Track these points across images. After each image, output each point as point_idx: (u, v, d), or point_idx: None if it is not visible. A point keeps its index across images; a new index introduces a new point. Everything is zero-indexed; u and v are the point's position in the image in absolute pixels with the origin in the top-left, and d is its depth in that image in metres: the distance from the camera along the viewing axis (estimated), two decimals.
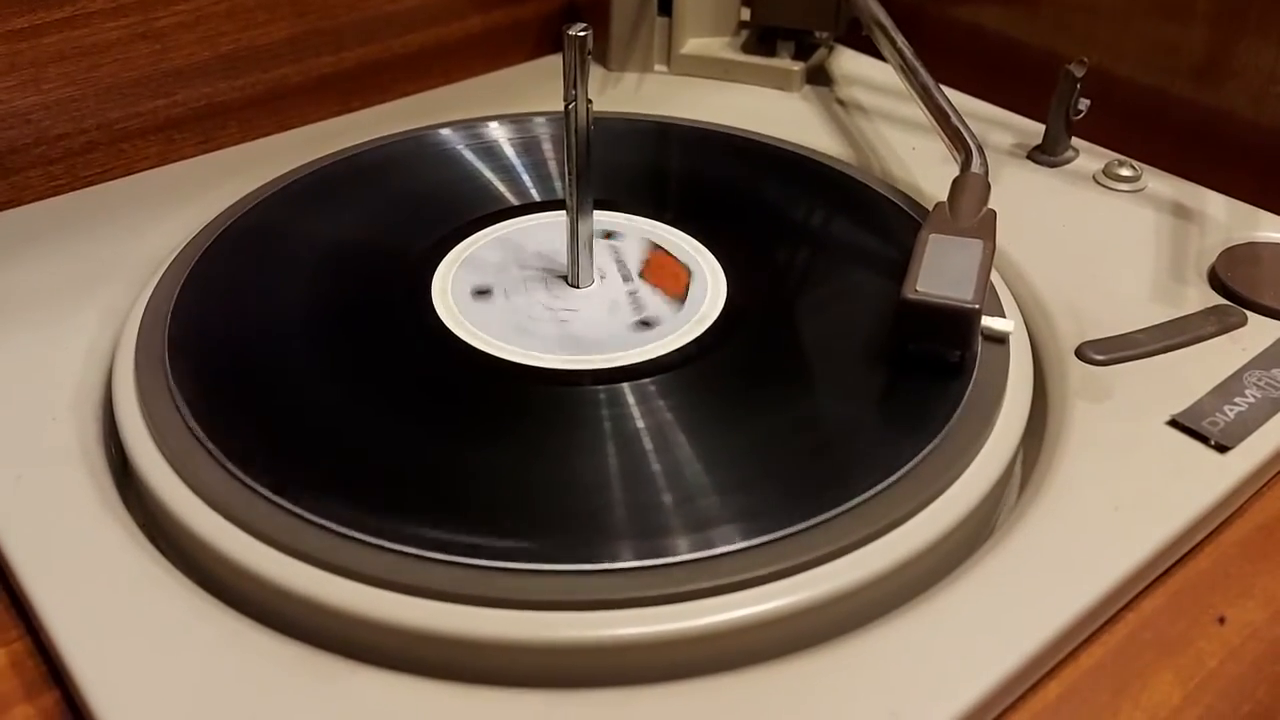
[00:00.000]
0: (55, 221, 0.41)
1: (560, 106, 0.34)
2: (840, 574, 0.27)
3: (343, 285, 0.37)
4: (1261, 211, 0.43)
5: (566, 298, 0.37)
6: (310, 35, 0.49)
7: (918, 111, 0.45)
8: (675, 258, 0.39)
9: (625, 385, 0.33)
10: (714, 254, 0.39)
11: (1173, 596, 0.29)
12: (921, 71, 0.44)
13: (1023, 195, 0.43)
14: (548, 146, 0.45)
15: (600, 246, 0.39)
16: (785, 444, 0.31)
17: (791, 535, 0.27)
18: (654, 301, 0.36)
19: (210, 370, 0.33)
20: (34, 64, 0.43)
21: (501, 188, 0.43)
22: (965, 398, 0.32)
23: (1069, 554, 0.28)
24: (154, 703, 0.25)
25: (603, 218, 0.40)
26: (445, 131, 0.46)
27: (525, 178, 0.43)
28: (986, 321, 0.34)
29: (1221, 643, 0.28)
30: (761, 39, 0.53)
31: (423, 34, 0.53)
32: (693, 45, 0.54)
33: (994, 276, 0.37)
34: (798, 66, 0.52)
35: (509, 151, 0.45)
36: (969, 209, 0.36)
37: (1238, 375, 0.34)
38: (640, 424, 0.31)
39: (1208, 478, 0.31)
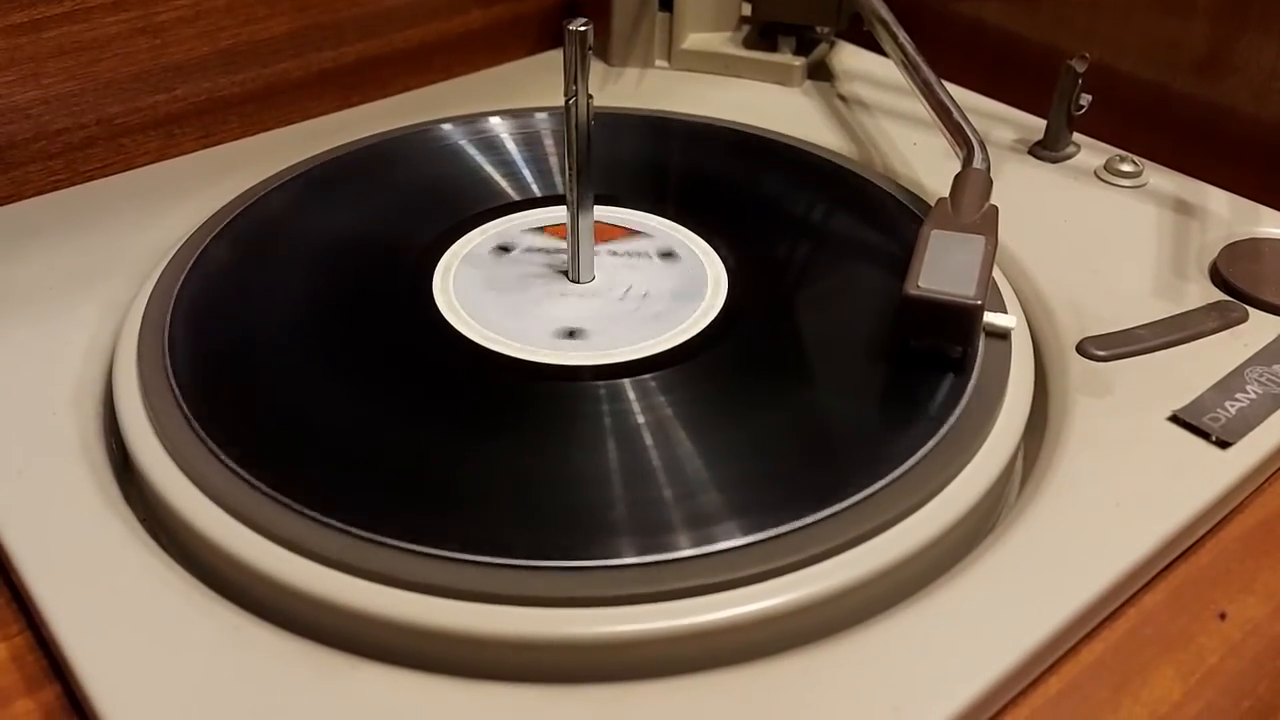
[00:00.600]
0: (55, 216, 0.41)
1: (561, 101, 0.34)
2: (842, 570, 0.27)
3: (343, 280, 0.37)
4: (1263, 207, 0.43)
5: (567, 292, 0.37)
6: (311, 30, 0.49)
7: (919, 107, 0.45)
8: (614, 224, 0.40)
9: (626, 381, 0.33)
10: (715, 249, 0.39)
11: (1174, 592, 0.29)
12: (923, 67, 0.44)
13: (1024, 191, 0.43)
14: (549, 141, 0.45)
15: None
16: (787, 440, 0.31)
17: (793, 531, 0.27)
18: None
19: (211, 365, 0.33)
20: (34, 59, 0.43)
21: (502, 183, 0.43)
22: (967, 394, 0.32)
23: (1070, 550, 0.28)
24: (154, 697, 0.25)
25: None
26: (446, 126, 0.46)
27: (526, 173, 0.43)
28: (988, 317, 0.34)
29: (1222, 638, 0.28)
30: (763, 34, 0.53)
31: (423, 29, 0.53)
32: (694, 40, 0.54)
33: (996, 272, 0.37)
34: (799, 62, 0.52)
35: (510, 146, 0.45)
36: (971, 205, 0.36)
37: (1239, 371, 0.34)
38: (641, 419, 0.31)
39: (1209, 474, 0.31)
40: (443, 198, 0.41)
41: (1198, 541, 0.31)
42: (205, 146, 0.47)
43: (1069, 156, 0.46)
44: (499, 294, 0.36)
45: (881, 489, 0.29)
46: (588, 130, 0.35)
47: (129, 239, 0.40)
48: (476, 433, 0.31)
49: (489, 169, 0.44)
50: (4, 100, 0.43)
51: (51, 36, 0.43)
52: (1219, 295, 0.38)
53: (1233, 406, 0.33)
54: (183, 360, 0.33)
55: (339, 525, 0.27)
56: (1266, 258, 0.39)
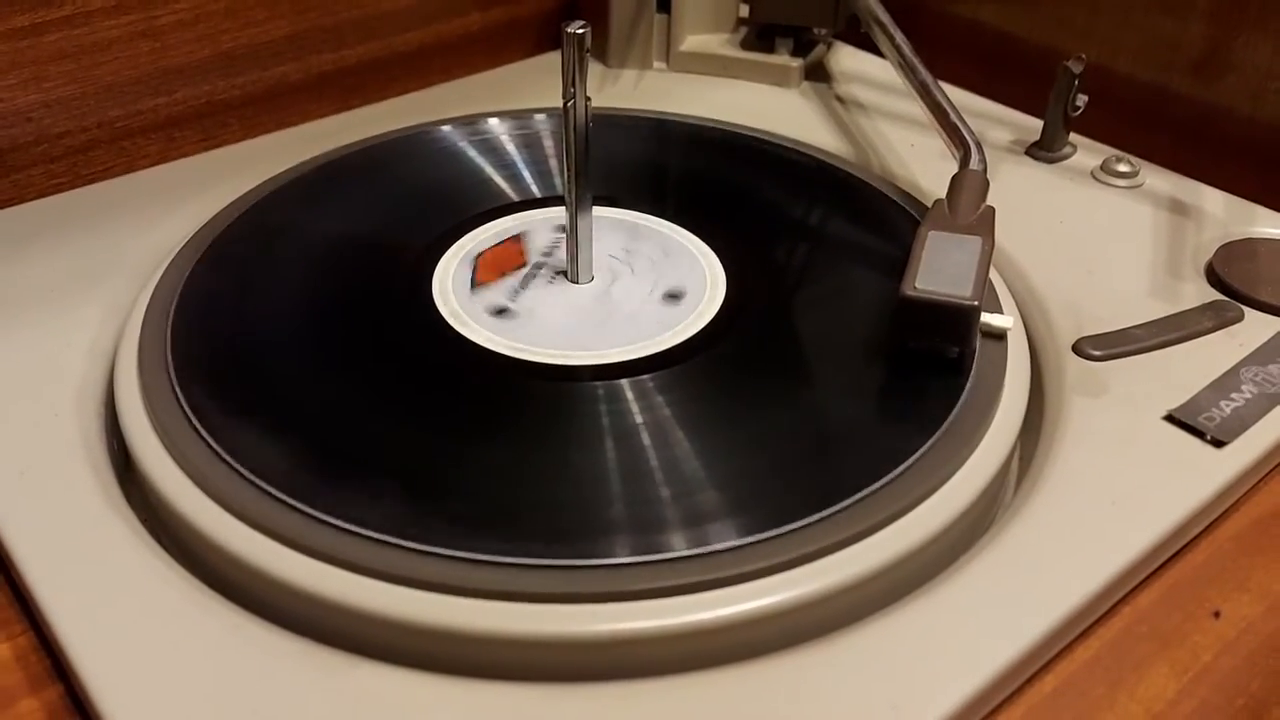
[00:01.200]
0: (57, 219, 0.41)
1: (560, 103, 0.34)
2: (839, 568, 0.27)
3: (344, 281, 0.37)
4: (1259, 207, 0.43)
5: (566, 293, 0.37)
6: (310, 33, 0.49)
7: (916, 108, 0.45)
8: (502, 244, 0.39)
9: (624, 381, 0.33)
10: (713, 250, 0.39)
11: (1168, 591, 0.30)
12: (920, 68, 0.45)
13: (1021, 191, 0.43)
14: (548, 143, 0.45)
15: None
16: (784, 439, 0.31)
17: (791, 530, 0.28)
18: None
19: (212, 366, 0.33)
20: (35, 62, 0.43)
21: (502, 184, 0.43)
22: (964, 394, 0.32)
23: (1066, 548, 0.29)
24: (157, 696, 0.25)
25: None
26: (446, 128, 0.46)
27: (525, 174, 0.43)
28: (985, 318, 0.34)
29: (1216, 636, 0.28)
30: (760, 36, 0.53)
31: (423, 31, 0.53)
32: (692, 42, 0.54)
33: (992, 273, 0.37)
34: (796, 63, 0.52)
35: (509, 148, 0.45)
36: (968, 206, 0.36)
37: (1234, 370, 0.34)
38: (639, 419, 0.32)
39: (1204, 472, 0.31)
40: (442, 199, 0.42)
41: (1193, 540, 0.31)
42: (206, 149, 0.47)
43: (1066, 157, 0.46)
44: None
45: (878, 488, 0.29)
46: (586, 131, 0.35)
47: (130, 241, 0.40)
48: (475, 432, 0.31)
49: (489, 170, 0.44)
50: (5, 104, 0.43)
51: (53, 40, 0.43)
52: (1215, 295, 0.38)
53: (1228, 406, 0.33)
54: (183, 361, 0.33)
55: (339, 524, 0.28)
56: (1262, 257, 0.39)
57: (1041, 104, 0.46)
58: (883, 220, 0.41)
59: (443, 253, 0.39)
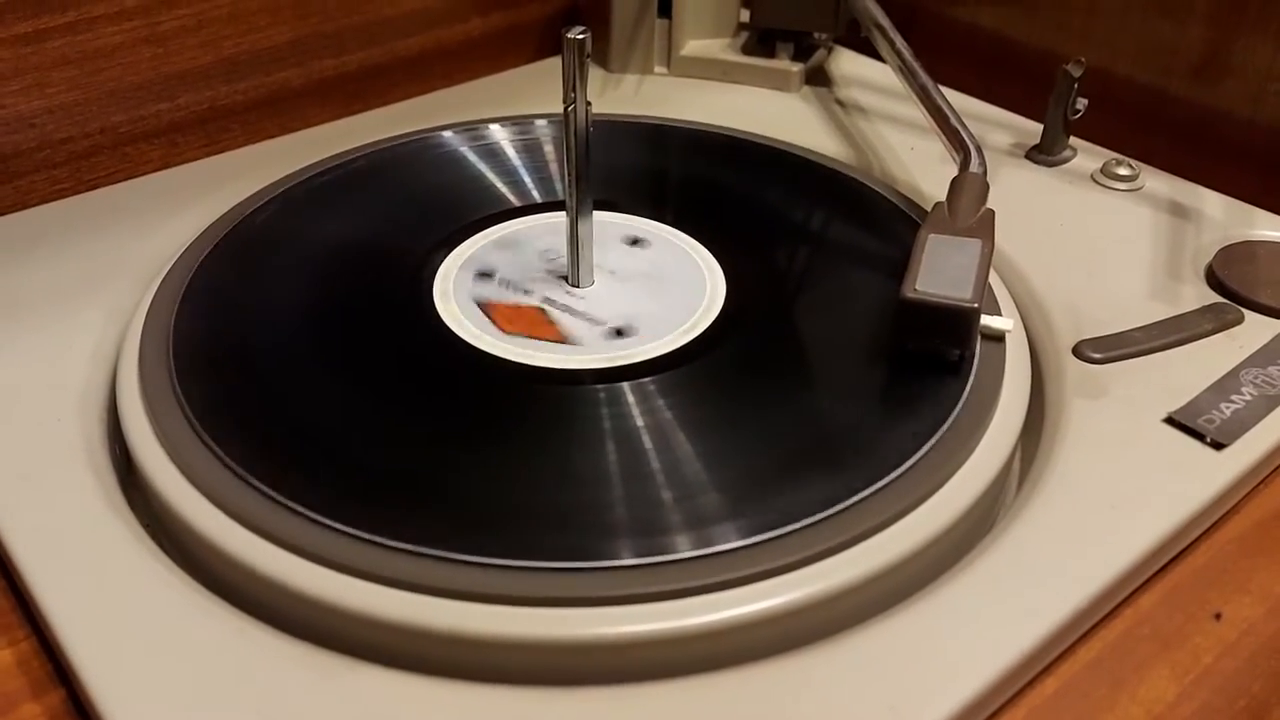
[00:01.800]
0: (60, 224, 0.42)
1: (561, 108, 0.34)
2: (840, 570, 0.27)
3: (345, 286, 0.37)
4: (1258, 210, 0.43)
5: (567, 298, 0.37)
6: (312, 39, 0.49)
7: (916, 112, 0.45)
8: (512, 304, 0.36)
9: (625, 384, 0.33)
10: (713, 254, 0.39)
11: (1169, 593, 0.30)
12: (920, 72, 0.45)
13: (1021, 195, 0.43)
14: (549, 148, 0.45)
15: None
16: (785, 442, 0.31)
17: (791, 533, 0.28)
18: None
19: (214, 371, 0.33)
20: (38, 68, 0.43)
21: (503, 189, 0.43)
22: (964, 396, 0.32)
23: (1066, 551, 0.29)
24: (158, 701, 0.25)
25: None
26: (447, 134, 0.46)
27: (526, 179, 0.44)
28: (985, 320, 0.34)
29: (1217, 638, 0.28)
30: (761, 40, 0.53)
31: (423, 37, 0.53)
32: (692, 47, 0.54)
33: (992, 275, 0.37)
34: (797, 67, 0.52)
35: (510, 153, 0.45)
36: (968, 209, 0.37)
37: (1234, 373, 0.34)
38: (640, 422, 0.32)
39: (1204, 475, 0.31)
40: (444, 204, 0.42)
41: (1193, 542, 0.31)
42: (208, 154, 0.48)
43: (1065, 160, 0.46)
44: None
45: (878, 490, 0.29)
46: (587, 137, 0.35)
47: (133, 246, 0.40)
48: (477, 436, 0.31)
49: (490, 175, 0.44)
50: (9, 110, 0.43)
51: (55, 46, 0.43)
52: (1215, 297, 0.38)
53: (1228, 408, 0.33)
54: (186, 366, 0.33)
55: (340, 529, 0.28)
56: (1262, 260, 0.39)
57: (1041, 107, 0.46)
58: (883, 223, 0.41)
59: (444, 257, 0.39)
